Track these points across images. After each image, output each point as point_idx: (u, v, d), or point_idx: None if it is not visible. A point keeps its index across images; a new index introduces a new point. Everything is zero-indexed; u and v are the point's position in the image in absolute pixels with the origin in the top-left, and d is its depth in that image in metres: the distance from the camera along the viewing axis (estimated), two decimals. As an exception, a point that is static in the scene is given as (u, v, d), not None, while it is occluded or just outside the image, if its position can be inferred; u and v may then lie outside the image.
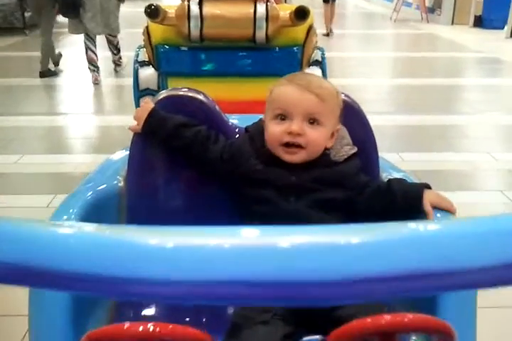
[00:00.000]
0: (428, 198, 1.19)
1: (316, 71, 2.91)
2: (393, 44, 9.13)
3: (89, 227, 0.58)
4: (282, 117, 1.23)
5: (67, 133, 4.23)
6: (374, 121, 4.53)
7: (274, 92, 1.26)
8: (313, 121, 1.22)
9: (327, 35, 8.69)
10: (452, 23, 10.41)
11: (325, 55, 2.99)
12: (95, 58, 5.60)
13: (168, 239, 0.52)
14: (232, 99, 2.76)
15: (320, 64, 2.93)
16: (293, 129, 1.20)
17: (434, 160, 3.51)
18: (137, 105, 2.97)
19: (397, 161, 3.44)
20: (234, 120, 1.48)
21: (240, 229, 0.55)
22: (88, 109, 4.88)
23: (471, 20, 10.05)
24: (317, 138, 1.22)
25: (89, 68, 5.62)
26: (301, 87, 1.22)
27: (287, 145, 1.22)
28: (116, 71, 6.08)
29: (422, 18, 10.93)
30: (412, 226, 0.57)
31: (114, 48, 5.93)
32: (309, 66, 2.91)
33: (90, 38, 5.51)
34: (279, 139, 1.22)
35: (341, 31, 9.86)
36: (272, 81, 2.71)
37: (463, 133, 4.11)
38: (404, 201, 1.21)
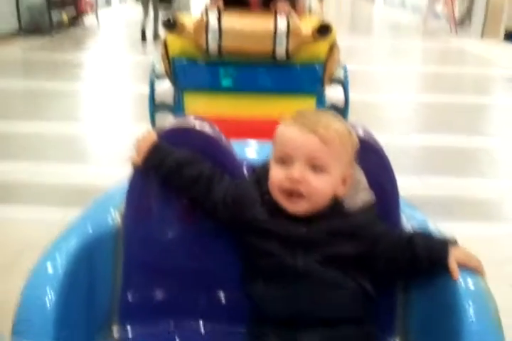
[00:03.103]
0: (454, 256, 1.07)
1: (337, 90, 2.81)
2: (420, 57, 8.95)
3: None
4: (284, 161, 1.10)
5: (85, 142, 4.15)
6: (396, 140, 4.42)
7: (278, 132, 1.13)
8: (316, 167, 1.08)
9: None
10: (482, 36, 10.19)
11: (347, 73, 2.87)
12: None
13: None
14: (250, 115, 2.68)
15: (342, 82, 2.83)
16: (292, 175, 1.07)
17: (459, 186, 3.33)
18: (152, 119, 2.90)
19: (418, 185, 3.31)
20: (244, 150, 1.37)
21: None
22: (111, 116, 4.80)
23: (502, 34, 9.82)
24: (320, 186, 1.08)
25: None
26: (305, 127, 1.08)
27: (288, 192, 1.09)
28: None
29: (451, 30, 10.73)
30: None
31: None
32: (331, 84, 2.80)
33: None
34: (279, 185, 1.10)
35: (366, 42, 9.72)
36: (292, 98, 2.68)
37: (491, 157, 3.93)
38: (427, 258, 1.09)
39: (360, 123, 1.26)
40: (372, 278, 1.14)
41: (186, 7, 8.67)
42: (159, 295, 1.26)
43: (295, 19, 2.55)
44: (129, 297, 1.25)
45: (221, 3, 2.61)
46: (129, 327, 1.23)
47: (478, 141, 4.24)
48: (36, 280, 1.05)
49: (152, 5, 8.35)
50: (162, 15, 8.11)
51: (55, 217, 2.73)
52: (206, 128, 1.25)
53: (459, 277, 1.05)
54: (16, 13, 8.58)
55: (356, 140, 1.14)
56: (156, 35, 8.47)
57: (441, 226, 1.30)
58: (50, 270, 1.07)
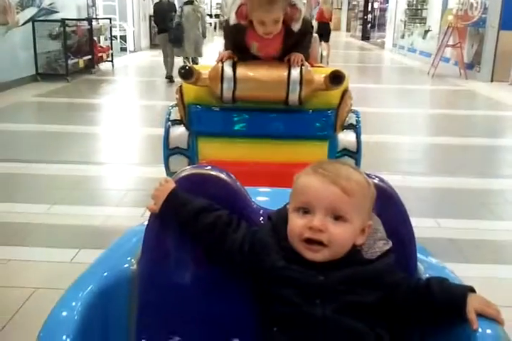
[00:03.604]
0: (472, 305, 1.06)
1: (350, 134, 2.83)
2: (430, 100, 9.04)
3: None
4: (305, 210, 1.11)
5: (100, 184, 4.19)
6: (409, 182, 4.41)
7: (298, 182, 1.15)
8: (337, 217, 1.10)
9: None
10: (492, 80, 10.30)
11: (360, 118, 2.90)
12: None
13: None
14: (263, 160, 2.70)
15: (354, 127, 2.85)
16: (314, 225, 1.08)
17: (474, 228, 3.32)
18: (166, 163, 2.93)
19: (433, 228, 3.29)
20: (260, 197, 1.39)
21: None
22: (125, 158, 4.87)
23: None
24: (342, 235, 1.10)
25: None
26: (325, 178, 1.10)
27: (309, 241, 1.10)
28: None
29: (460, 74, 10.86)
30: None
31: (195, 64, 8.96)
32: (343, 129, 2.83)
33: (186, 58, 9.21)
34: (299, 234, 1.11)
35: (377, 85, 9.86)
36: (305, 143, 2.71)
37: (506, 199, 3.91)
38: (445, 306, 1.08)
39: (367, 166, 1.28)
40: (390, 326, 1.14)
41: (198, 51, 9.11)
42: (173, 339, 1.26)
43: (308, 67, 2.60)
44: None
45: (233, 55, 2.65)
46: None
47: (491, 183, 4.24)
48: (52, 326, 1.06)
49: (169, 50, 9.34)
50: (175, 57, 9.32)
51: (67, 258, 2.76)
52: (222, 175, 1.28)
53: (478, 326, 1.05)
54: (33, 59, 8.82)
55: (374, 191, 1.17)
56: (170, 78, 9.29)
57: (455, 269, 1.30)
58: (65, 316, 1.08)
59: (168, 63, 9.38)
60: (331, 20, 13.04)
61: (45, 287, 2.47)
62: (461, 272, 1.25)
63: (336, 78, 2.51)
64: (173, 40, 8.85)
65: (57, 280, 2.39)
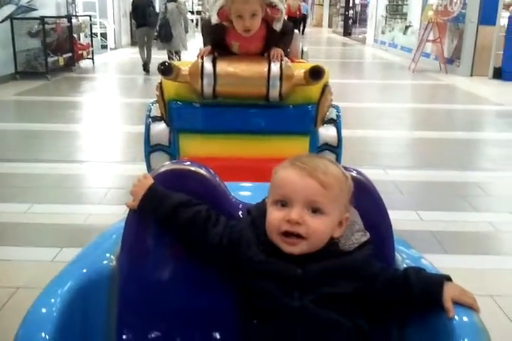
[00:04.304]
0: (449, 293, 1.08)
1: (330, 129, 2.85)
2: (411, 95, 9.10)
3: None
4: (283, 203, 1.12)
5: (81, 182, 4.16)
6: (391, 176, 4.45)
7: (276, 176, 1.16)
8: (315, 209, 1.11)
9: None
10: (471, 74, 10.39)
11: (340, 113, 2.92)
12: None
13: None
14: (245, 156, 2.70)
15: (335, 122, 2.87)
16: (291, 217, 1.09)
17: (454, 220, 3.36)
18: (147, 160, 2.92)
19: (415, 220, 3.33)
20: (237, 190, 1.39)
21: None
22: (106, 156, 4.83)
23: (491, 72, 10.03)
24: (319, 228, 1.11)
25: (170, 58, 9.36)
26: (303, 171, 1.11)
27: (286, 234, 1.11)
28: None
29: (440, 69, 10.95)
30: None
31: (178, 56, 9.70)
32: (324, 124, 2.84)
33: (170, 52, 9.66)
34: (277, 227, 1.11)
35: (358, 81, 9.90)
36: (286, 138, 2.72)
37: (484, 191, 3.96)
38: (422, 295, 1.10)
39: (348, 160, 1.29)
40: (368, 316, 1.15)
41: (183, 45, 9.64)
42: (154, 335, 1.26)
43: (288, 63, 2.61)
44: (124, 337, 1.24)
45: (213, 51, 2.65)
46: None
47: (471, 176, 4.29)
48: (31, 323, 1.06)
49: (146, 45, 9.98)
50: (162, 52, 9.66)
51: (48, 257, 2.74)
52: (201, 170, 1.28)
53: (454, 315, 1.06)
54: (12, 57, 8.72)
55: (352, 184, 1.18)
56: (147, 70, 9.98)
57: (435, 261, 1.32)
58: (44, 312, 1.07)
59: (145, 54, 9.97)
60: (299, 16, 13.05)
61: (27, 286, 2.45)
62: (441, 263, 1.27)
63: (316, 73, 2.52)
64: (164, 36, 9.29)
65: (39, 280, 2.35)
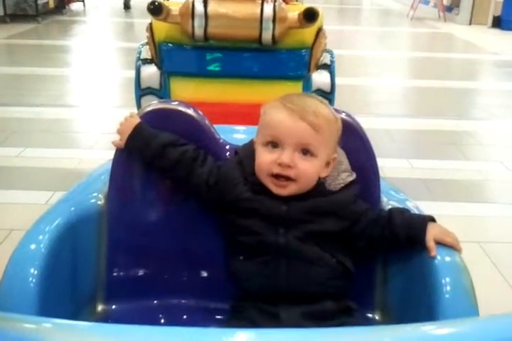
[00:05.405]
0: (432, 233, 1.10)
1: (324, 74, 2.81)
2: (408, 43, 8.95)
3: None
4: (273, 145, 1.12)
5: (73, 127, 4.12)
6: (384, 124, 4.43)
7: (266, 116, 1.14)
8: (306, 151, 1.11)
9: None
10: (470, 22, 10.19)
11: (334, 58, 2.87)
12: None
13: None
14: (236, 100, 2.67)
15: (329, 67, 2.82)
16: (283, 161, 1.09)
17: (445, 169, 3.38)
18: (138, 104, 2.88)
19: (406, 168, 3.34)
20: (227, 133, 1.38)
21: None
22: (98, 101, 4.76)
23: (490, 20, 9.84)
24: (309, 170, 1.11)
25: None
26: (294, 113, 1.10)
27: (276, 176, 1.11)
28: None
29: (439, 17, 10.72)
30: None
31: None
32: (317, 69, 2.80)
33: None
34: (267, 169, 1.12)
35: (355, 28, 9.70)
36: (279, 83, 2.68)
37: (476, 140, 3.97)
38: (405, 234, 1.12)
39: (343, 108, 1.28)
40: (352, 255, 1.17)
41: None
42: (143, 273, 1.28)
43: (281, 5, 2.54)
44: (113, 275, 1.27)
45: None
46: (113, 304, 1.25)
47: (464, 125, 4.28)
48: (19, 259, 1.06)
49: None
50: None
51: (42, 201, 2.75)
52: (189, 110, 1.26)
53: (436, 253, 1.08)
54: (0, -1, 8.47)
55: (341, 125, 1.17)
56: (127, 6, 10.47)
57: (423, 208, 1.33)
58: (33, 249, 1.07)
59: None
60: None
61: (20, 229, 2.46)
62: (429, 210, 1.27)
63: (310, 15, 2.46)
64: None
65: (33, 222, 2.39)
